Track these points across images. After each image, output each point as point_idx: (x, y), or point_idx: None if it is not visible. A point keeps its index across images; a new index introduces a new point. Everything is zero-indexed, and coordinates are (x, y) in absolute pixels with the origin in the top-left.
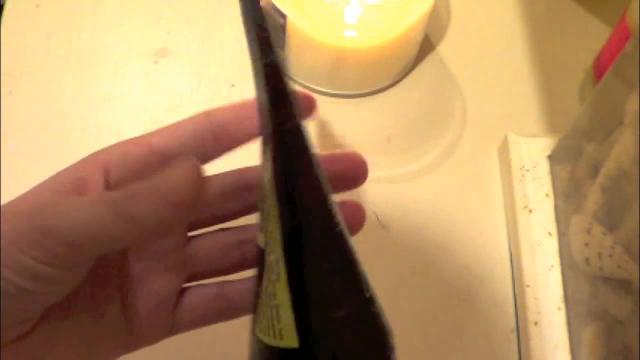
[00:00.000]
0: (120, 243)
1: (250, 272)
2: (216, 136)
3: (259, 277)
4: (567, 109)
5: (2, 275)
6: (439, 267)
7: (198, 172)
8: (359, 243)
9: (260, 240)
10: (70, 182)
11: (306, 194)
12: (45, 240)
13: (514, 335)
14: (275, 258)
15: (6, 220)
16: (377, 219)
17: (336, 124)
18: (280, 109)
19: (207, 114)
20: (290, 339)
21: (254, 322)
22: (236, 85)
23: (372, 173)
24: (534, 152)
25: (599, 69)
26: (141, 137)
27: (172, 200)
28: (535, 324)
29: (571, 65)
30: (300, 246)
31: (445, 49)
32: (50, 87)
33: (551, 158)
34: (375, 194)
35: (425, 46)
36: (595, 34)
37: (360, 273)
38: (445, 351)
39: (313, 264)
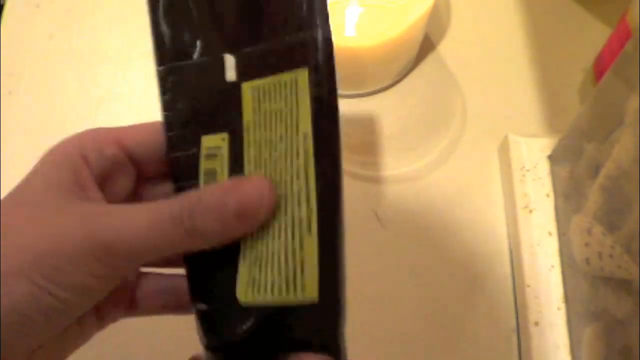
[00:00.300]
0: (181, 252)
1: None
2: None
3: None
4: (567, 109)
5: (56, 293)
6: (439, 266)
7: (270, 188)
8: (359, 243)
9: None
10: (68, 181)
11: (338, 157)
12: (107, 256)
13: (514, 335)
14: (306, 214)
15: (42, 237)
16: (377, 218)
17: None
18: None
19: None
20: (312, 292)
21: (230, 288)
22: None
23: (372, 173)
24: (534, 152)
25: (599, 69)
26: (113, 133)
27: (246, 215)
28: (536, 324)
29: (571, 65)
30: (334, 203)
31: (445, 48)
32: (50, 87)
33: (551, 158)
34: (375, 194)
35: (426, 46)
36: (595, 34)
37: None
38: (445, 351)
39: (338, 219)
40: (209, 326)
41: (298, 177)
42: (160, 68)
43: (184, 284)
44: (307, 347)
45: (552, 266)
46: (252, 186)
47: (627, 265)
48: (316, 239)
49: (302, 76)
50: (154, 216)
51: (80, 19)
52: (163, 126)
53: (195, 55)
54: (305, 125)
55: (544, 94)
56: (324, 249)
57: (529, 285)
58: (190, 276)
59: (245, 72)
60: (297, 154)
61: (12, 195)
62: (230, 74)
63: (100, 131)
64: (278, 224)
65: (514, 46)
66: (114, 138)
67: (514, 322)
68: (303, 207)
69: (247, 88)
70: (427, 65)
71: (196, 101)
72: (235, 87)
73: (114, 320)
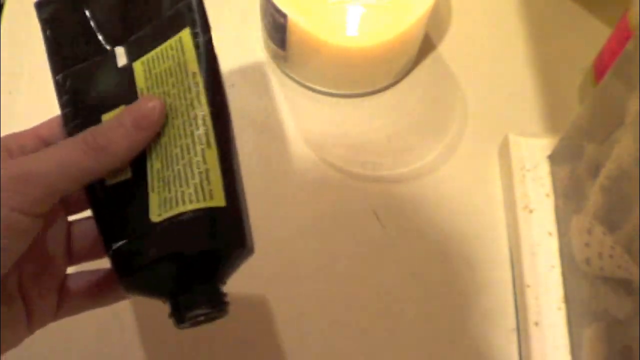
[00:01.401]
0: (93, 175)
1: None
2: None
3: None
4: (567, 109)
5: None
6: (439, 267)
7: (159, 99)
8: (359, 243)
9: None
10: None
11: (222, 85)
12: (25, 186)
13: (514, 335)
14: (204, 131)
15: None
16: (377, 218)
17: (336, 124)
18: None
19: None
20: (219, 198)
21: (143, 217)
22: (236, 85)
23: (372, 173)
24: (534, 152)
25: (599, 69)
26: (31, 130)
27: (142, 124)
28: (536, 324)
29: (571, 65)
30: (224, 122)
31: (445, 48)
32: (50, 87)
33: (551, 158)
34: (375, 193)
35: (426, 46)
36: (595, 34)
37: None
38: (445, 351)
39: (229, 135)
40: (125, 260)
41: (193, 107)
42: (58, 77)
43: (107, 275)
44: (215, 257)
45: (552, 266)
46: (143, 101)
47: (627, 265)
48: (215, 151)
49: (184, 33)
50: (62, 145)
51: None
52: (63, 122)
53: (88, 58)
54: (193, 66)
55: (544, 94)
56: (222, 160)
57: (529, 286)
58: (100, 219)
59: (134, 53)
60: (189, 89)
61: None
62: (121, 61)
63: (18, 132)
64: (180, 148)
65: (514, 46)
66: (32, 133)
67: (514, 322)
68: (201, 128)
69: (137, 65)
70: (427, 65)
71: (94, 93)
72: (126, 70)
73: (43, 323)
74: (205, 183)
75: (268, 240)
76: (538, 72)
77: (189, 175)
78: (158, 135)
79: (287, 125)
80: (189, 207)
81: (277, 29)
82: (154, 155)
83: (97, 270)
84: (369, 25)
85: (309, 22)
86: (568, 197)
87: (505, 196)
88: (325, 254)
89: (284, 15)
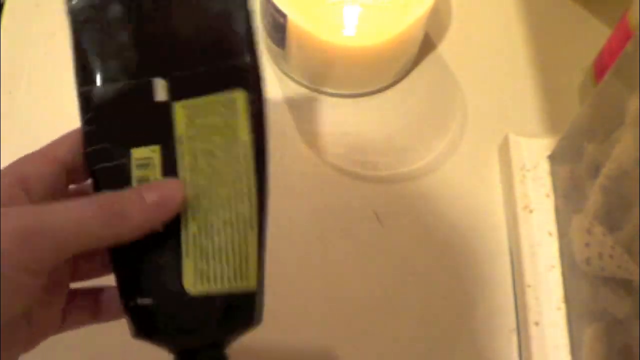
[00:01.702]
0: (104, 242)
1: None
2: None
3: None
4: (567, 109)
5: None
6: (439, 267)
7: (181, 187)
8: (359, 243)
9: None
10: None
11: (268, 162)
12: (33, 243)
13: (514, 335)
14: (249, 210)
15: None
16: (377, 218)
17: (336, 124)
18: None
19: None
20: (252, 281)
21: (174, 281)
22: None
23: (372, 173)
24: (534, 152)
25: (599, 69)
26: (47, 151)
27: (163, 206)
28: (536, 324)
29: (571, 65)
30: (266, 199)
31: (445, 48)
32: (50, 87)
33: (551, 158)
34: (375, 193)
35: (426, 46)
36: (595, 34)
37: None
38: (445, 351)
39: (267, 212)
40: (150, 319)
41: (240, 180)
42: (84, 89)
43: (112, 293)
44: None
45: (553, 266)
46: (171, 183)
47: (627, 265)
48: (256, 232)
49: (239, 96)
50: (78, 204)
51: None
52: (83, 140)
53: (121, 79)
54: (245, 136)
55: (544, 94)
56: (260, 242)
57: (529, 286)
58: (122, 267)
59: (177, 92)
60: (238, 160)
61: None
62: (161, 95)
63: (35, 154)
64: (223, 220)
65: (514, 46)
66: (50, 157)
67: (514, 322)
68: (246, 206)
69: (179, 107)
70: (427, 65)
71: (122, 119)
72: (164, 106)
73: (44, 338)
74: (244, 265)
75: (267, 240)
76: (538, 72)
77: (230, 254)
78: (198, 196)
79: (287, 125)
80: (226, 286)
81: (277, 29)
82: (190, 217)
83: (102, 288)
84: (369, 25)
85: (309, 22)
86: (568, 197)
87: (505, 196)
88: (325, 253)
89: (284, 15)
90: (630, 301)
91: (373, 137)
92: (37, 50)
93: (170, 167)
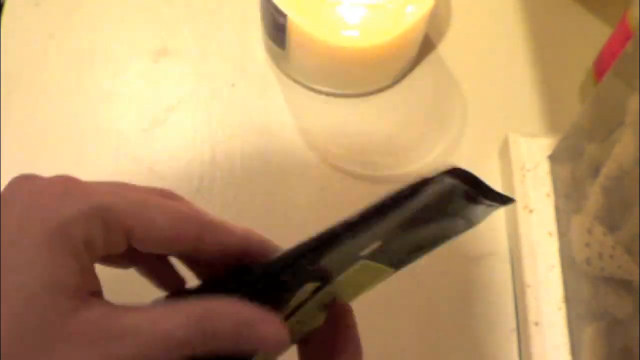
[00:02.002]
0: (190, 351)
1: None
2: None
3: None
4: (567, 109)
5: None
6: (438, 267)
7: (286, 335)
8: None
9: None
10: (68, 279)
11: None
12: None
13: (514, 335)
14: None
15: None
16: None
17: (336, 124)
18: None
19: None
20: None
21: None
22: (236, 85)
23: (372, 173)
24: (534, 152)
25: (599, 69)
26: (127, 218)
27: (257, 339)
28: (536, 324)
29: (571, 65)
30: None
31: (445, 49)
32: (50, 87)
33: (552, 158)
34: (375, 194)
35: (425, 46)
36: (595, 34)
37: None
38: (445, 351)
39: None
40: None
41: None
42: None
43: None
44: None
45: (553, 266)
46: (275, 325)
47: (627, 265)
48: None
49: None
50: (175, 310)
51: (80, 19)
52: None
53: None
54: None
55: (544, 94)
56: None
57: (529, 286)
58: None
59: (376, 256)
60: None
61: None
62: (366, 251)
63: (111, 213)
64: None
65: (514, 46)
66: (125, 227)
67: (514, 322)
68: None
69: (363, 264)
70: (427, 65)
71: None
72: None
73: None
74: None
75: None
76: (538, 72)
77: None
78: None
79: (287, 125)
80: None
81: (277, 29)
82: None
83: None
84: (369, 26)
85: (309, 22)
86: (568, 197)
87: None
88: None
89: (284, 15)
90: (630, 301)
91: (373, 137)
92: (37, 50)
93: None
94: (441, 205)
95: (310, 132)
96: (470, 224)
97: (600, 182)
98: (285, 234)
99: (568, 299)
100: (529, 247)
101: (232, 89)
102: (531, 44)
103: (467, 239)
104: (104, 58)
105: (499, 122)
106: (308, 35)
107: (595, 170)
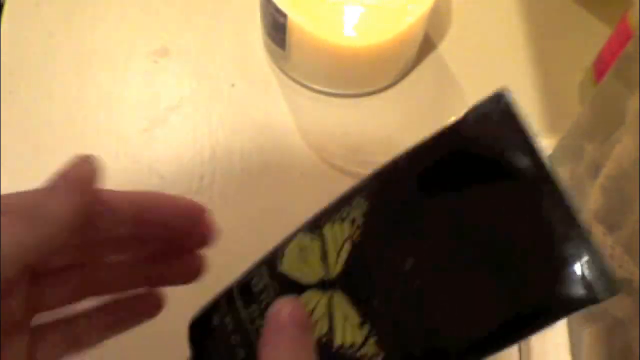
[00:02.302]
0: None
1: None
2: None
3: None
4: (567, 109)
5: None
6: None
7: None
8: None
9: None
10: None
11: None
12: None
13: None
14: None
15: None
16: None
17: (336, 124)
18: None
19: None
20: None
21: None
22: (236, 84)
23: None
24: None
25: (599, 69)
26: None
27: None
28: None
29: (571, 65)
30: None
31: (445, 48)
32: (50, 87)
33: (551, 158)
34: None
35: (426, 46)
36: (595, 34)
37: None
38: None
39: None
40: None
41: None
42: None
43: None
44: None
45: None
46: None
47: (627, 265)
48: None
49: None
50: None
51: (80, 19)
52: None
53: None
54: None
55: (544, 94)
56: None
57: None
58: None
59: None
60: None
61: None
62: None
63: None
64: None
65: (514, 46)
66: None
67: None
68: None
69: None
70: (427, 65)
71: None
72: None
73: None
74: None
75: (268, 240)
76: (538, 72)
77: None
78: None
79: (287, 125)
80: None
81: (277, 29)
82: None
83: (76, 315)
84: (369, 25)
85: (309, 22)
86: None
87: None
88: None
89: (284, 15)
90: (630, 301)
91: (373, 137)
92: (37, 50)
93: None
94: None
95: (310, 132)
96: None
97: (600, 182)
98: (284, 233)
99: None
100: None
101: (232, 89)
102: (531, 44)
103: None
104: (104, 58)
105: None
106: (308, 35)
107: (595, 171)
